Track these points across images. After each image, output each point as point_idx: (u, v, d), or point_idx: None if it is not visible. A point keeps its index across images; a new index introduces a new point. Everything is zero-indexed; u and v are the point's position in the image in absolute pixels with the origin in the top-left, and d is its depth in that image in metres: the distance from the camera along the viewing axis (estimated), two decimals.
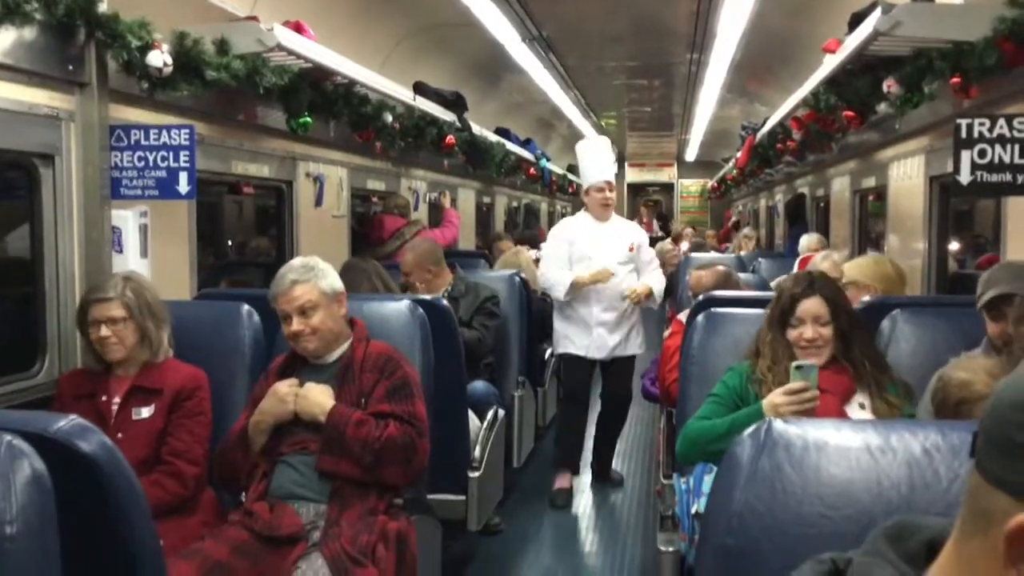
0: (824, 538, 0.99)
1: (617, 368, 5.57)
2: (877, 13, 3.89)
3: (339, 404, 2.88)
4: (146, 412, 2.98)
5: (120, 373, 3.06)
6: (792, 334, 2.82)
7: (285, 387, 2.92)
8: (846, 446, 1.30)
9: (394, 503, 2.94)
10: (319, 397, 2.89)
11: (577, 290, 5.33)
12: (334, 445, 2.83)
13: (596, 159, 5.59)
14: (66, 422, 1.52)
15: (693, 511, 2.84)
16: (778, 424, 1.33)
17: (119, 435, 2.88)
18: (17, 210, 3.52)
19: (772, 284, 5.11)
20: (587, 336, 5.42)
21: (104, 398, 3.01)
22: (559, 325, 5.54)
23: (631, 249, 5.48)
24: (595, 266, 5.33)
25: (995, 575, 0.72)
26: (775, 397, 2.61)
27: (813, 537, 1.15)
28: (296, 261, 3.09)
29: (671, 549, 2.89)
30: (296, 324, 2.95)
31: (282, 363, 3.08)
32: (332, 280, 3.05)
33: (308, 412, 2.87)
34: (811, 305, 2.80)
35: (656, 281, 5.55)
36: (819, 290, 2.84)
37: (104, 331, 3.00)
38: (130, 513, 1.59)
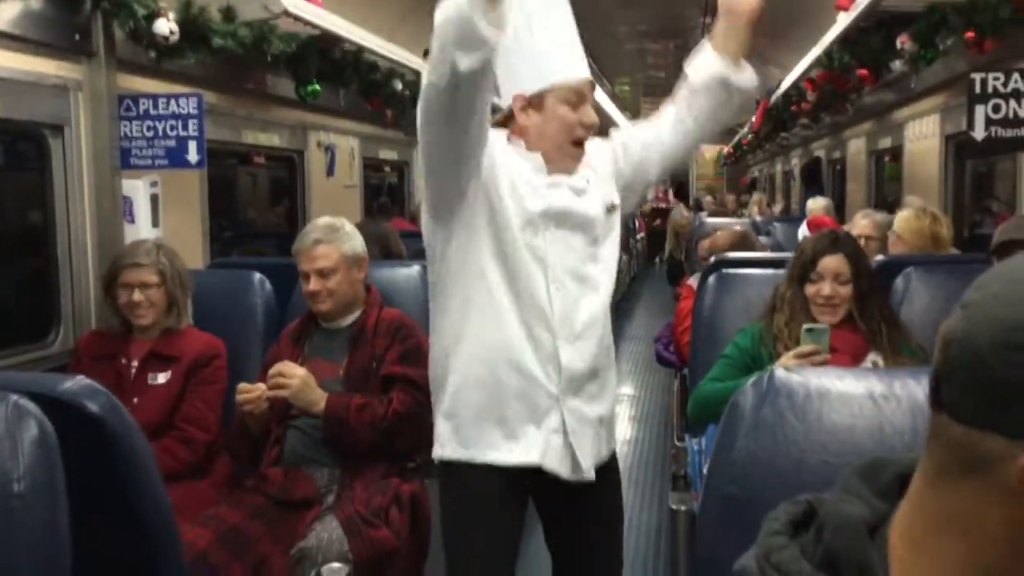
0: (826, 485, 0.98)
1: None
2: None
3: (332, 395, 2.82)
4: (162, 378, 3.01)
5: (140, 337, 3.09)
6: (810, 289, 2.80)
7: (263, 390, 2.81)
8: (849, 393, 1.29)
9: (408, 466, 2.95)
10: (310, 396, 2.80)
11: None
12: (339, 433, 2.80)
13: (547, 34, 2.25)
14: (73, 382, 1.52)
15: (705, 470, 2.84)
16: (780, 373, 1.32)
17: (134, 400, 2.91)
18: (28, 181, 3.53)
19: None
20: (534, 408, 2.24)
21: (124, 360, 3.04)
22: (457, 377, 2.25)
23: (611, 209, 2.34)
24: (551, 272, 2.20)
25: (994, 514, 0.71)
26: (786, 360, 2.59)
27: (815, 484, 1.14)
28: (322, 220, 3.06)
29: (683, 508, 2.90)
30: (314, 284, 2.94)
31: (295, 328, 3.08)
32: (355, 244, 3.02)
33: (304, 403, 2.82)
34: (832, 262, 2.78)
35: None
36: (842, 248, 2.82)
37: (137, 295, 3.03)
38: (138, 473, 1.59)
